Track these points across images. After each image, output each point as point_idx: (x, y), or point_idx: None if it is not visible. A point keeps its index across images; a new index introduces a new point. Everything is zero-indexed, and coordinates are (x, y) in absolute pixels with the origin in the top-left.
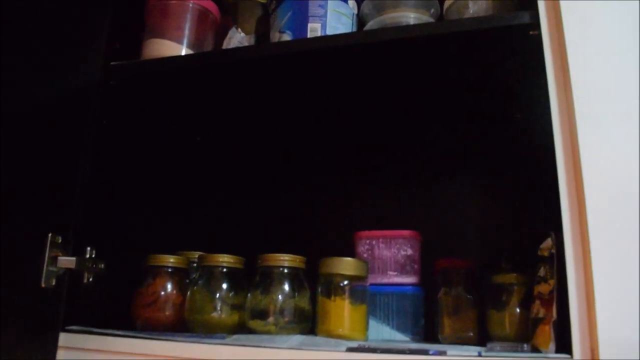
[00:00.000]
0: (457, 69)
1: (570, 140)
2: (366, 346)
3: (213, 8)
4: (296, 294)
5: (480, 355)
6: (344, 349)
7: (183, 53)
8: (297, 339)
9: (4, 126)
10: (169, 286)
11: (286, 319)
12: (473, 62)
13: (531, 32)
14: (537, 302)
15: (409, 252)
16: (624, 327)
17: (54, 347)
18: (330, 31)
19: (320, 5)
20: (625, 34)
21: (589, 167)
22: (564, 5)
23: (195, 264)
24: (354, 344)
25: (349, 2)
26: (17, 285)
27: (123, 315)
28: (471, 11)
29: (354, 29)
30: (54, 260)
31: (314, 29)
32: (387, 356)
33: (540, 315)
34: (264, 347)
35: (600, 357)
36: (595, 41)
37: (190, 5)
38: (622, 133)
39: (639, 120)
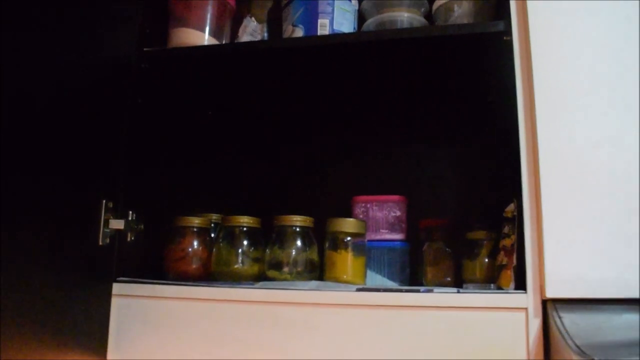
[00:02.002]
0: (443, 63)
1: (531, 125)
2: (371, 287)
3: None
4: (307, 248)
5: (458, 291)
6: (354, 289)
7: (206, 40)
8: (313, 283)
9: (67, 104)
10: (195, 243)
11: (299, 269)
12: (456, 59)
13: (505, 38)
14: (502, 252)
15: (398, 213)
16: (563, 271)
17: (109, 294)
18: (336, 26)
19: (328, 3)
20: (580, 42)
21: (544, 149)
22: (531, 17)
23: (214, 224)
24: (360, 286)
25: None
26: (81, 243)
27: (155, 268)
28: (456, 14)
29: (356, 24)
30: (106, 222)
31: (323, 25)
32: (388, 294)
33: (504, 262)
34: (289, 289)
35: (546, 292)
36: (554, 46)
37: None
38: (570, 121)
39: (583, 111)
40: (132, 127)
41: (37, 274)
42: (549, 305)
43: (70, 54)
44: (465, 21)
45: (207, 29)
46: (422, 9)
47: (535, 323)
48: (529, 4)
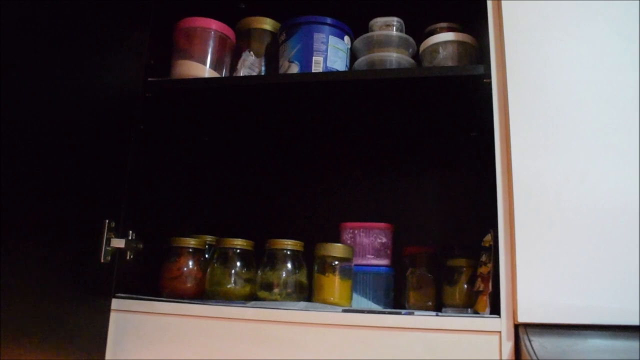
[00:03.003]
0: (429, 100)
1: (507, 160)
2: (356, 309)
3: (231, 34)
4: (297, 270)
5: (437, 314)
6: (340, 310)
7: (206, 72)
8: (302, 304)
9: (75, 129)
10: (190, 263)
11: (289, 290)
12: (440, 97)
13: (485, 80)
14: (479, 279)
15: (384, 240)
16: (534, 297)
17: (108, 309)
18: (330, 63)
19: (322, 42)
20: (553, 85)
21: (518, 183)
22: (508, 63)
23: (208, 245)
24: (346, 308)
25: (345, 38)
26: (84, 259)
27: (151, 286)
28: (441, 56)
29: (348, 62)
30: (108, 240)
31: (317, 62)
32: (372, 315)
33: (481, 289)
34: (279, 308)
35: (518, 317)
36: (529, 89)
37: (213, 32)
38: (543, 158)
39: (555, 149)
40: (134, 152)
41: (40, 288)
42: (520, 330)
43: (80, 81)
44: (449, 63)
45: (208, 61)
46: (410, 50)
47: (508, 345)
48: (507, 50)
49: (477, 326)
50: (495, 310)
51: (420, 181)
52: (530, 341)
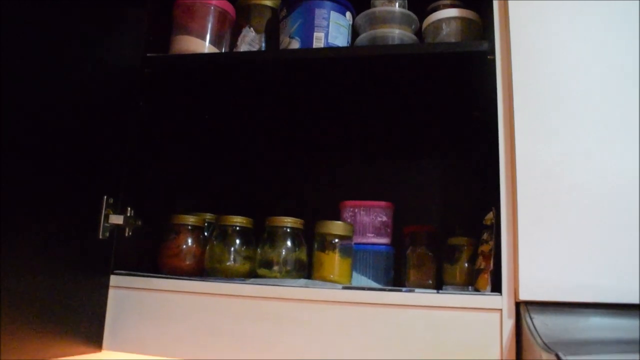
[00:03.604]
0: (431, 78)
1: (510, 139)
2: (357, 286)
3: (230, 9)
4: (297, 248)
5: (438, 292)
6: (341, 287)
7: (206, 48)
8: (302, 281)
9: (73, 105)
10: (190, 241)
11: (288, 268)
12: (443, 74)
13: (488, 57)
14: (480, 257)
15: (384, 218)
16: (535, 275)
17: (106, 286)
18: (331, 40)
19: (324, 18)
20: (559, 63)
21: (521, 161)
22: (513, 38)
23: (207, 223)
24: (346, 285)
25: (346, 14)
26: (82, 236)
27: (150, 263)
28: (444, 33)
29: (349, 38)
30: (106, 217)
31: (318, 38)
32: (372, 292)
33: (482, 267)
34: (278, 285)
35: (520, 295)
36: (534, 66)
37: (212, 7)
38: (545, 136)
39: (558, 128)
40: (133, 128)
41: (38, 264)
42: (521, 307)
43: (77, 57)
44: (452, 39)
45: (208, 37)
46: (413, 26)
47: (509, 323)
48: (512, 26)
49: (478, 304)
50: (496, 288)
51: (421, 160)
52: (531, 319)
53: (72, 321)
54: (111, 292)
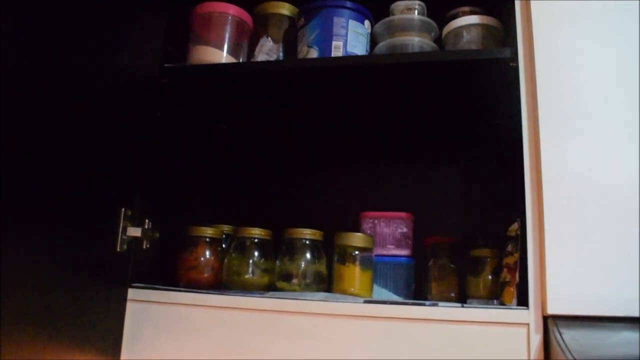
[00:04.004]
0: (452, 86)
1: (535, 147)
2: (378, 300)
3: (248, 19)
4: (316, 260)
5: (462, 306)
6: (362, 301)
7: (224, 58)
8: (321, 294)
9: (91, 115)
10: (207, 253)
11: (308, 281)
12: (464, 82)
13: (511, 64)
14: (505, 270)
15: (404, 229)
16: (564, 288)
17: (124, 299)
18: (350, 48)
19: (342, 26)
20: (583, 69)
21: (547, 171)
22: (537, 44)
23: (225, 235)
24: (368, 299)
25: (365, 22)
26: (100, 248)
27: (167, 276)
28: (464, 40)
29: (368, 47)
30: (124, 229)
31: (337, 47)
32: (395, 307)
33: (507, 279)
34: (298, 299)
35: (548, 309)
36: (558, 73)
37: (230, 17)
38: (572, 145)
39: (584, 136)
40: (151, 139)
41: (56, 278)
42: (549, 322)
43: (95, 67)
44: (473, 47)
45: (225, 47)
46: (432, 34)
47: (536, 338)
48: (535, 32)
49: (504, 318)
50: (522, 301)
51: (441, 170)
52: (560, 333)
53: (90, 335)
54: (129, 306)
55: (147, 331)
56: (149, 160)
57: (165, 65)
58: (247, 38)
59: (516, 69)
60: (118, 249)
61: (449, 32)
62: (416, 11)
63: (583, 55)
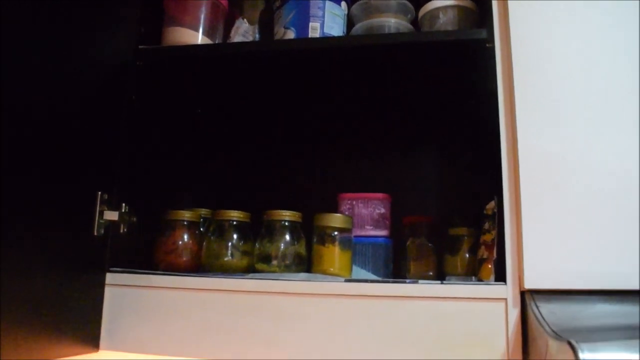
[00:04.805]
0: (428, 67)
1: (511, 127)
2: (359, 278)
3: (224, 0)
4: (295, 242)
5: (442, 283)
6: (343, 280)
7: (199, 40)
8: (302, 275)
9: (65, 99)
10: (186, 236)
11: (287, 262)
12: (440, 63)
13: (487, 45)
14: (482, 247)
15: (382, 210)
16: (540, 264)
17: (102, 284)
18: (327, 29)
19: (319, 7)
20: (559, 49)
21: (523, 149)
22: (512, 26)
23: (203, 218)
24: (349, 278)
25: (342, 3)
26: (77, 233)
27: (146, 260)
28: (441, 21)
29: (345, 28)
30: (101, 213)
31: (314, 27)
32: (376, 285)
33: (485, 256)
34: (280, 279)
35: (525, 284)
36: (535, 53)
37: None
38: (548, 123)
39: (560, 116)
40: (126, 122)
41: (32, 263)
42: (527, 296)
43: (68, 50)
44: (449, 28)
45: (201, 28)
46: (409, 15)
47: (514, 313)
48: (511, 13)
49: (482, 293)
50: (499, 277)
51: (419, 151)
52: (537, 307)
53: (68, 321)
54: (107, 290)
55: (126, 315)
56: (126, 144)
57: (140, 47)
58: (222, 20)
59: (492, 49)
60: (95, 233)
61: (425, 14)
62: None
63: (561, 37)
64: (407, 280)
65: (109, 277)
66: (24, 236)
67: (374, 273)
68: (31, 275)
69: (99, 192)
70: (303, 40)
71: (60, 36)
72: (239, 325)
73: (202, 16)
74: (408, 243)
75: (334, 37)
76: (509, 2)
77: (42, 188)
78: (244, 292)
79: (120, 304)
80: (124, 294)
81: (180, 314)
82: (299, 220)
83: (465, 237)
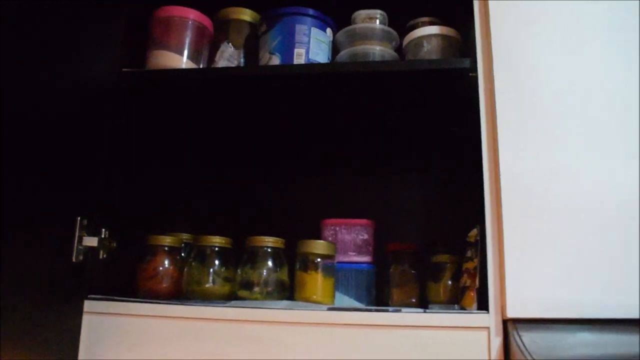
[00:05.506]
0: (412, 95)
1: (494, 155)
2: (342, 307)
3: (208, 24)
4: (278, 268)
5: (425, 311)
6: (325, 308)
7: (184, 64)
8: (284, 303)
9: (45, 121)
10: (167, 262)
11: (270, 289)
12: (424, 91)
13: (470, 74)
14: (465, 275)
15: (365, 236)
16: (523, 292)
17: (80, 312)
18: (312, 56)
19: (304, 34)
20: (542, 79)
21: (506, 178)
22: (495, 55)
23: (184, 244)
24: (331, 306)
25: (327, 30)
26: (55, 259)
27: (125, 287)
28: (425, 50)
29: (330, 55)
30: (80, 239)
31: (299, 54)
32: (358, 313)
33: (467, 284)
34: (261, 307)
35: (507, 312)
36: (517, 83)
37: (190, 21)
38: (530, 152)
39: (542, 143)
40: (107, 146)
41: (7, 290)
42: (509, 325)
43: (50, 72)
44: (433, 56)
45: (185, 52)
46: (393, 43)
47: (497, 341)
48: (494, 43)
49: (465, 322)
50: (482, 306)
51: (402, 177)
52: (520, 336)
53: (43, 349)
54: (85, 318)
55: (105, 344)
56: (106, 168)
57: (124, 70)
58: (207, 43)
59: (475, 79)
60: (74, 260)
61: (410, 42)
62: (378, 20)
63: (542, 65)
64: (390, 309)
65: (87, 305)
66: (1, 260)
67: (357, 300)
68: (6, 303)
69: (78, 218)
70: (288, 66)
71: (40, 57)
72: (220, 354)
73: (187, 40)
74: (391, 270)
75: (318, 64)
76: (492, 31)
77: (18, 213)
78: (225, 320)
79: (98, 332)
80: (103, 322)
81: (160, 343)
82: (282, 246)
83: (448, 265)
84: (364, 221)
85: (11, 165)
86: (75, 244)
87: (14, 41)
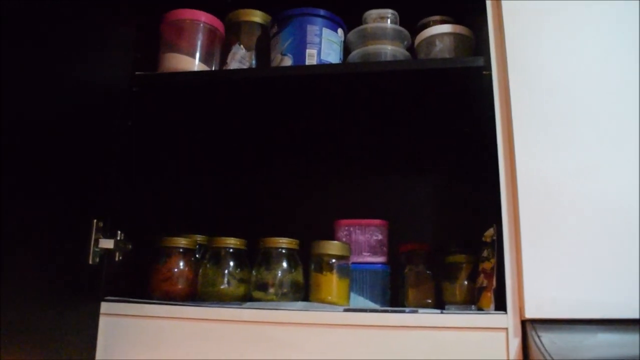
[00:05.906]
0: (425, 94)
1: (510, 154)
2: (358, 308)
3: (220, 26)
4: (292, 269)
5: (442, 312)
6: (341, 309)
7: (196, 66)
8: (300, 304)
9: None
10: (181, 264)
11: (285, 290)
12: (437, 90)
13: (484, 72)
14: (482, 275)
15: (380, 237)
16: (541, 292)
17: (97, 313)
18: (323, 56)
19: (316, 34)
20: (557, 76)
21: (522, 176)
22: (509, 52)
23: (199, 245)
24: (347, 307)
25: (339, 30)
26: (72, 262)
27: (141, 288)
28: (437, 49)
29: (341, 55)
30: (96, 241)
31: (311, 54)
32: (375, 314)
33: (484, 284)
34: (277, 309)
35: (526, 313)
36: (532, 80)
37: (202, 24)
38: (546, 150)
39: (558, 142)
40: (122, 149)
41: (26, 293)
42: (527, 325)
43: (64, 76)
44: (446, 55)
45: (197, 55)
46: (405, 42)
47: (515, 342)
48: (507, 41)
49: (483, 323)
50: (500, 306)
51: (416, 177)
52: (539, 337)
53: (62, 351)
54: (102, 320)
55: (121, 346)
56: (121, 170)
57: (136, 73)
58: (219, 46)
59: (489, 77)
60: (90, 262)
61: (422, 41)
62: (389, 20)
63: (556, 62)
64: (407, 310)
65: (104, 307)
66: (17, 265)
67: (372, 300)
68: (23, 304)
69: (95, 220)
70: (300, 67)
71: (56, 64)
72: (235, 356)
73: (199, 42)
74: (406, 271)
75: (330, 64)
76: (505, 29)
77: (36, 216)
78: (240, 322)
79: (115, 333)
80: (119, 324)
81: (175, 344)
82: (296, 247)
83: (464, 265)
84: (378, 221)
85: (27, 168)
86: (92, 247)
87: (30, 48)
